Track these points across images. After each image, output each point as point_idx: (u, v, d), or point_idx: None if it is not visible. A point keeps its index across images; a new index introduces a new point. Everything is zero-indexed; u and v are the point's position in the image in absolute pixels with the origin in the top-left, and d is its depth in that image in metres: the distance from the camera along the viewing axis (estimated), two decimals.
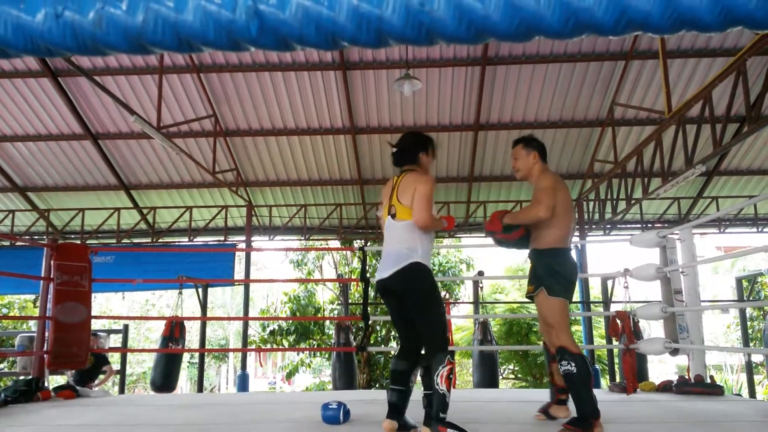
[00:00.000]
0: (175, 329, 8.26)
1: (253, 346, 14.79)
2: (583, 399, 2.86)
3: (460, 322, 16.35)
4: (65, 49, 2.16)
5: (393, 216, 3.01)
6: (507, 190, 12.26)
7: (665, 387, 4.63)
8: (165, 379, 8.60)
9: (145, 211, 12.55)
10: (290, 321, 14.22)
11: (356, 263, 15.15)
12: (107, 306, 22.27)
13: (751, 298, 10.64)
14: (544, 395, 3.65)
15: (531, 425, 3.12)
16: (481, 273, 10.81)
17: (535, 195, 3.09)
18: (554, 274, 3.01)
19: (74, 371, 7.05)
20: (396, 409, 2.92)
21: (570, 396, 3.03)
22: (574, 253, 3.26)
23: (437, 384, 2.74)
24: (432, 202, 2.93)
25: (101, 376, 7.59)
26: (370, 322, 5.40)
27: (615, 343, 5.35)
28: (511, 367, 16.43)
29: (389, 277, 2.96)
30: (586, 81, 9.89)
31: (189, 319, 15.38)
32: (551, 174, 3.16)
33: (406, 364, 3.00)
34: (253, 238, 12.57)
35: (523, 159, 3.23)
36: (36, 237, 12.73)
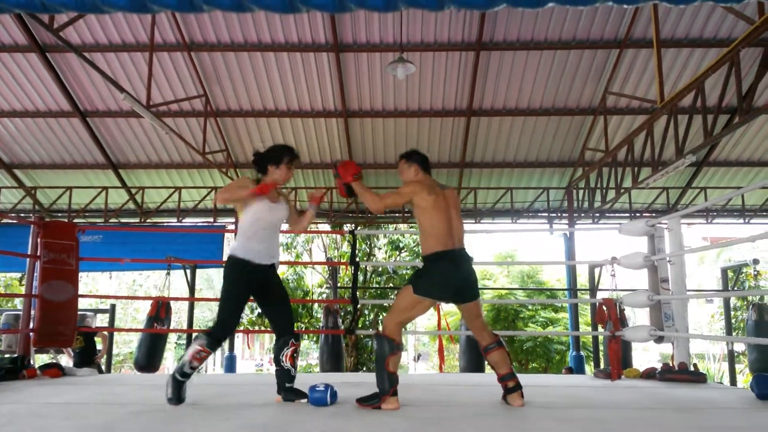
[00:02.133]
0: (161, 309, 8.26)
1: (241, 328, 14.81)
2: (378, 376, 3.08)
3: (448, 308, 16.45)
4: (61, 5, 2.09)
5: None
6: (498, 176, 12.27)
7: (649, 374, 4.69)
8: (149, 359, 8.61)
9: (133, 191, 12.45)
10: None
11: (346, 247, 15.17)
12: (94, 286, 22.15)
13: (735, 288, 10.77)
14: (527, 380, 3.69)
15: (514, 408, 3.15)
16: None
17: (397, 189, 3.33)
18: (421, 276, 3.20)
19: (75, 355, 7.05)
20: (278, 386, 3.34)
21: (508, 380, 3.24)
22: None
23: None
24: (226, 201, 3.29)
25: (99, 348, 7.55)
26: (358, 305, 5.41)
27: (601, 330, 5.40)
28: None
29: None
30: (579, 69, 9.88)
31: (176, 299, 15.34)
32: (419, 184, 3.31)
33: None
34: None
35: (405, 172, 3.45)
36: (22, 215, 12.60)
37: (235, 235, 3.39)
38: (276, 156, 3.32)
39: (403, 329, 3.22)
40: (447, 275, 3.17)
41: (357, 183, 3.36)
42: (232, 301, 3.23)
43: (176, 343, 22.97)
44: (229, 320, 3.24)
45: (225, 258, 3.31)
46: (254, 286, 3.29)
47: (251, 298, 3.37)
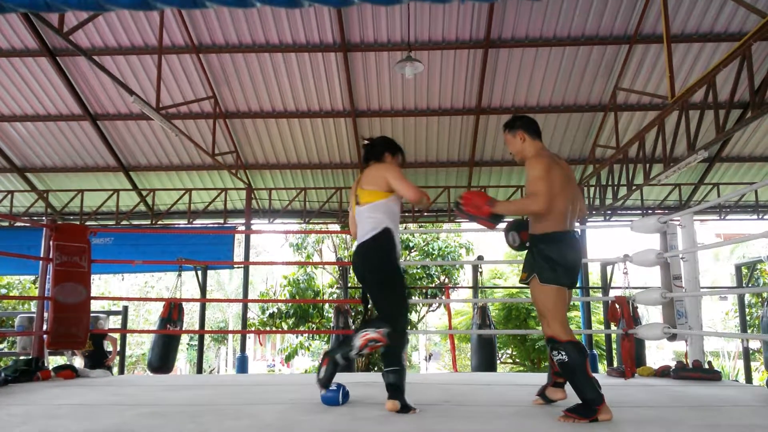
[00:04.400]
0: (173, 311, 8.28)
1: (253, 329, 14.85)
2: (580, 386, 2.74)
3: (459, 307, 16.40)
4: (64, 4, 2.09)
5: (358, 203, 3.20)
6: (508, 174, 12.22)
7: (663, 372, 4.65)
8: (162, 360, 8.65)
9: (144, 193, 12.52)
10: (289, 304, 14.25)
11: None
12: (106, 288, 22.31)
13: (749, 285, 10.65)
14: (541, 379, 3.65)
15: (527, 407, 3.13)
16: (480, 258, 10.80)
17: (528, 184, 2.91)
18: (547, 260, 2.87)
19: (86, 358, 7.06)
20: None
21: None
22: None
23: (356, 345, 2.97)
24: (408, 180, 3.09)
25: (110, 350, 7.54)
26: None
27: (614, 328, 5.35)
28: (509, 351, 16.52)
29: (355, 250, 3.19)
30: (588, 65, 9.80)
31: (188, 300, 15.42)
32: (543, 156, 2.93)
33: None
34: (252, 221, 12.55)
35: (511, 143, 3.09)
36: (35, 218, 12.72)
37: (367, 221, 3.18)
38: (393, 145, 3.31)
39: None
40: (569, 257, 2.90)
41: (500, 209, 2.95)
42: (399, 278, 3.10)
43: (188, 344, 23.08)
44: (402, 302, 3.11)
45: (370, 237, 3.10)
46: None
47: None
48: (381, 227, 3.09)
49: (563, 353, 2.77)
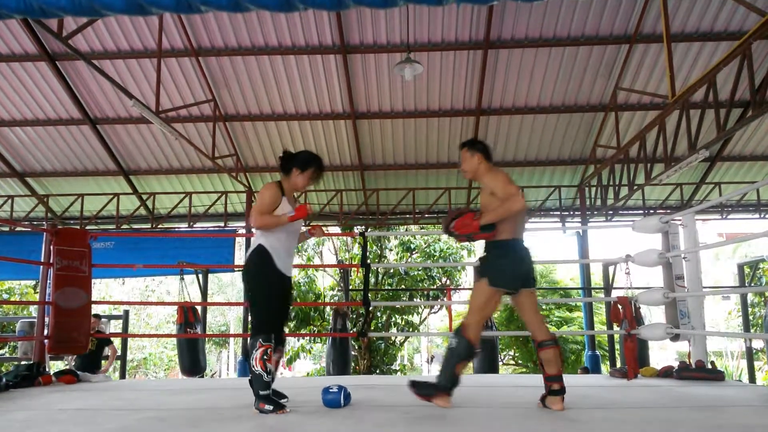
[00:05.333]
0: (189, 314, 8.28)
1: None
2: (443, 370, 3.04)
3: (461, 308, 16.36)
4: (59, 9, 2.09)
5: None
6: (509, 175, 12.17)
7: (666, 372, 4.63)
8: (193, 362, 8.74)
9: (144, 197, 12.52)
10: (291, 307, 14.16)
11: (357, 249, 15.15)
12: (107, 292, 22.29)
13: (752, 284, 10.62)
14: (542, 380, 3.64)
15: (528, 410, 3.11)
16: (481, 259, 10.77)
17: (498, 191, 3.11)
18: (497, 265, 3.13)
19: (76, 357, 6.98)
20: None
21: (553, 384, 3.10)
22: (525, 243, 3.24)
23: (253, 366, 3.06)
24: (264, 207, 3.18)
25: (104, 362, 7.46)
26: (370, 308, 5.39)
27: (616, 328, 5.33)
28: (511, 353, 16.49)
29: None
30: (589, 65, 9.80)
31: (192, 304, 15.40)
32: (498, 169, 3.29)
33: None
34: None
35: (468, 161, 3.31)
36: (35, 222, 12.71)
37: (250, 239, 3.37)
38: (304, 161, 3.32)
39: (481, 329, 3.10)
40: (517, 264, 3.14)
41: (485, 220, 3.12)
42: (265, 290, 3.20)
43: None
44: (269, 309, 3.21)
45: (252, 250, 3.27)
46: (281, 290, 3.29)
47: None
48: (255, 244, 3.24)
49: (455, 341, 3.07)
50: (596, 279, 14.00)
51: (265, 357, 3.05)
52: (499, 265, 3.12)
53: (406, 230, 14.96)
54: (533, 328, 3.22)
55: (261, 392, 3.06)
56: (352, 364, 10.72)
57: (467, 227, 3.18)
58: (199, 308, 9.11)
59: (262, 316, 3.19)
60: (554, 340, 3.17)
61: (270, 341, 3.10)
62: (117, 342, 8.28)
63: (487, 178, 3.23)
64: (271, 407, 3.02)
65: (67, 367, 6.42)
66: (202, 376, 9.50)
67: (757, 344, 14.23)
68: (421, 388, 3.06)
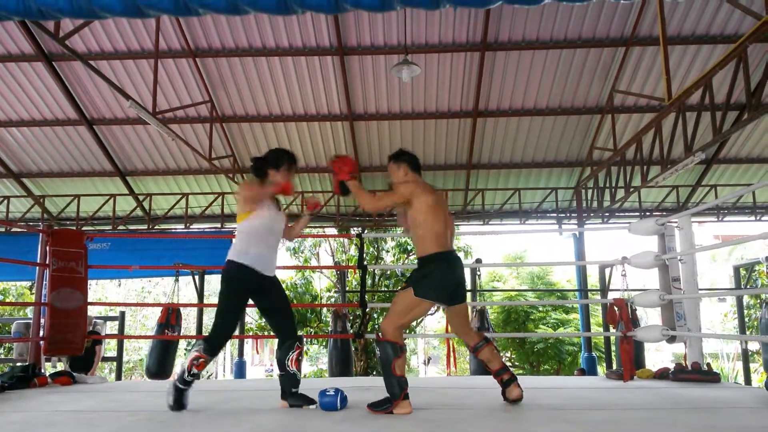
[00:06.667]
0: (171, 316, 8.23)
1: (251, 333, 14.80)
2: (385, 381, 3.04)
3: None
4: (57, 11, 2.09)
5: None
6: (506, 177, 12.22)
7: (662, 374, 4.63)
8: (160, 365, 8.59)
9: (141, 198, 12.49)
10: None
11: (353, 251, 15.13)
12: (103, 293, 22.23)
13: (748, 287, 10.66)
14: (539, 382, 3.64)
15: (524, 411, 3.12)
16: (479, 261, 10.81)
17: (395, 189, 3.23)
18: (424, 277, 3.14)
19: (68, 357, 6.92)
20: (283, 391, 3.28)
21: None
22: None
23: (183, 362, 3.13)
24: (247, 201, 3.19)
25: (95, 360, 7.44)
26: (367, 309, 5.39)
27: (612, 330, 5.35)
28: (508, 354, 16.50)
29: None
30: (585, 67, 9.82)
31: (185, 305, 15.35)
32: (416, 184, 3.23)
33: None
34: None
35: (394, 172, 3.35)
36: (31, 223, 12.67)
37: (232, 240, 3.32)
38: (275, 160, 3.30)
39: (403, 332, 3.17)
40: (446, 276, 3.16)
41: (352, 181, 3.28)
42: (231, 309, 3.22)
43: (185, 349, 22.96)
44: (227, 327, 3.22)
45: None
46: (255, 293, 3.27)
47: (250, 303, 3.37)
48: (235, 252, 3.20)
49: (378, 350, 3.10)
50: (593, 281, 14.01)
51: (195, 363, 3.09)
52: (427, 276, 3.13)
53: (403, 232, 14.96)
54: (464, 336, 3.38)
55: (176, 384, 3.13)
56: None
57: (339, 171, 3.28)
58: (182, 312, 9.05)
59: (218, 330, 3.20)
60: (485, 339, 3.33)
61: (211, 354, 3.14)
62: (113, 344, 8.26)
63: (400, 184, 3.26)
64: (172, 402, 3.10)
65: (59, 368, 6.37)
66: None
67: (753, 346, 14.28)
68: (377, 406, 3.05)
